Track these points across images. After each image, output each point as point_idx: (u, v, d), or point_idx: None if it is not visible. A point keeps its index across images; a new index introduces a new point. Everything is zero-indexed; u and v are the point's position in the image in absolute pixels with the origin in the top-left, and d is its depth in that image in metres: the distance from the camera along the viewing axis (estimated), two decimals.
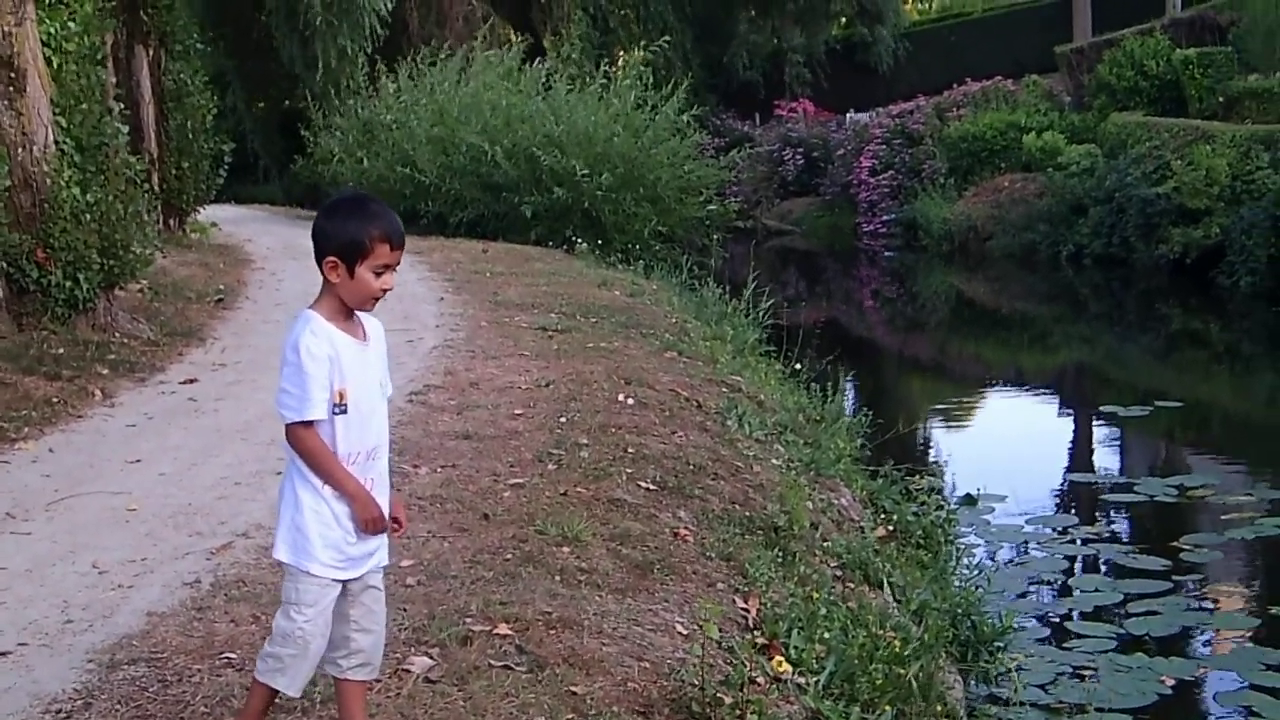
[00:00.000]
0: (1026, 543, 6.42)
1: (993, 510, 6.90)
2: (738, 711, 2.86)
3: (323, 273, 2.33)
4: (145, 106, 11.44)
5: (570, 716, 2.73)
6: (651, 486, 4.53)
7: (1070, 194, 18.13)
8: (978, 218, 19.94)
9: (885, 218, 22.38)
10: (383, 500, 2.42)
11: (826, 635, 3.51)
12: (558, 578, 3.53)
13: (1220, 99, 18.20)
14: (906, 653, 3.56)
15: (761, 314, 9.51)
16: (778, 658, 3.27)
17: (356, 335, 2.37)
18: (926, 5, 38.43)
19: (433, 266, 11.31)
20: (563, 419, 5.34)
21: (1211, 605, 5.52)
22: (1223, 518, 6.62)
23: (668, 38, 17.66)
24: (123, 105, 9.88)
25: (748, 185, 25.01)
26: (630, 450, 4.91)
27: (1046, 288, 17.50)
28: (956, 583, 5.17)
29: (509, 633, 3.09)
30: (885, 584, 4.51)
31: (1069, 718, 4.37)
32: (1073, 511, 7.05)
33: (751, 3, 30.91)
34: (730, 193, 19.70)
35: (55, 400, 5.77)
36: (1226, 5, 20.65)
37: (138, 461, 4.90)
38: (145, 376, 6.57)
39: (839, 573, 4.40)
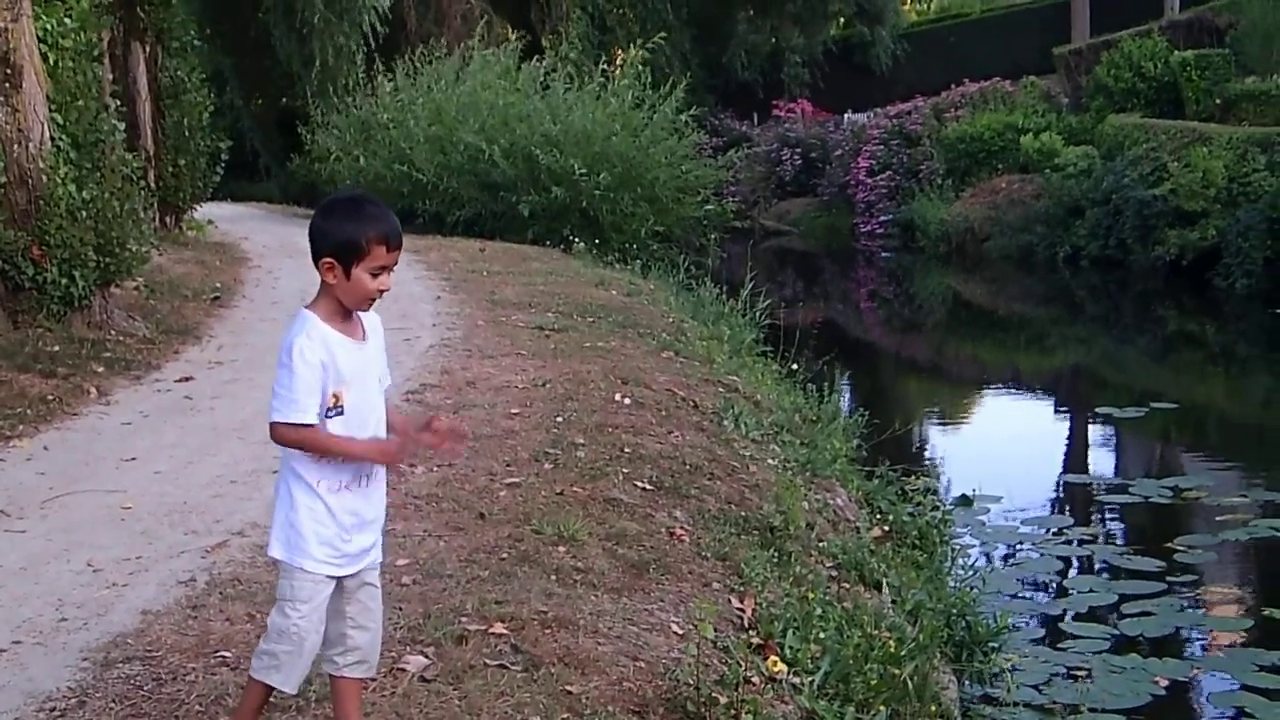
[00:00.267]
0: (1021, 543, 6.43)
1: (988, 511, 6.90)
2: (733, 711, 2.86)
3: (319, 273, 2.33)
4: (142, 103, 11.42)
5: (565, 716, 2.73)
6: (648, 486, 4.53)
7: (1067, 195, 18.15)
8: (975, 219, 19.96)
9: (882, 218, 22.40)
10: (378, 493, 2.42)
11: (822, 635, 3.51)
12: (553, 577, 3.53)
13: (1217, 101, 18.22)
14: (901, 653, 3.57)
15: (758, 314, 9.51)
16: (773, 657, 3.27)
17: (354, 335, 2.37)
18: (925, 6, 38.45)
19: (430, 265, 11.30)
20: (559, 418, 5.35)
21: (1205, 607, 5.53)
22: (1217, 519, 6.63)
23: (663, 34, 17.62)
24: (119, 102, 9.87)
25: (745, 185, 25.03)
26: (626, 450, 4.92)
27: (1043, 289, 17.52)
28: (951, 583, 5.18)
29: (504, 632, 3.09)
30: (883, 584, 4.51)
31: (1063, 718, 4.37)
32: (1068, 512, 7.06)
33: (750, 3, 30.92)
34: (728, 193, 19.71)
35: (50, 398, 5.76)
36: (1224, 7, 20.68)
37: (133, 460, 4.89)
38: (141, 374, 6.56)
39: (834, 573, 4.41)
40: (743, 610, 3.62)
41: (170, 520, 4.09)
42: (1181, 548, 6.17)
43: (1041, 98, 22.08)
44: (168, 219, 12.39)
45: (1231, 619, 5.41)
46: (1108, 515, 7.06)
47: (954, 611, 4.67)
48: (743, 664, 3.03)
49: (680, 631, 3.32)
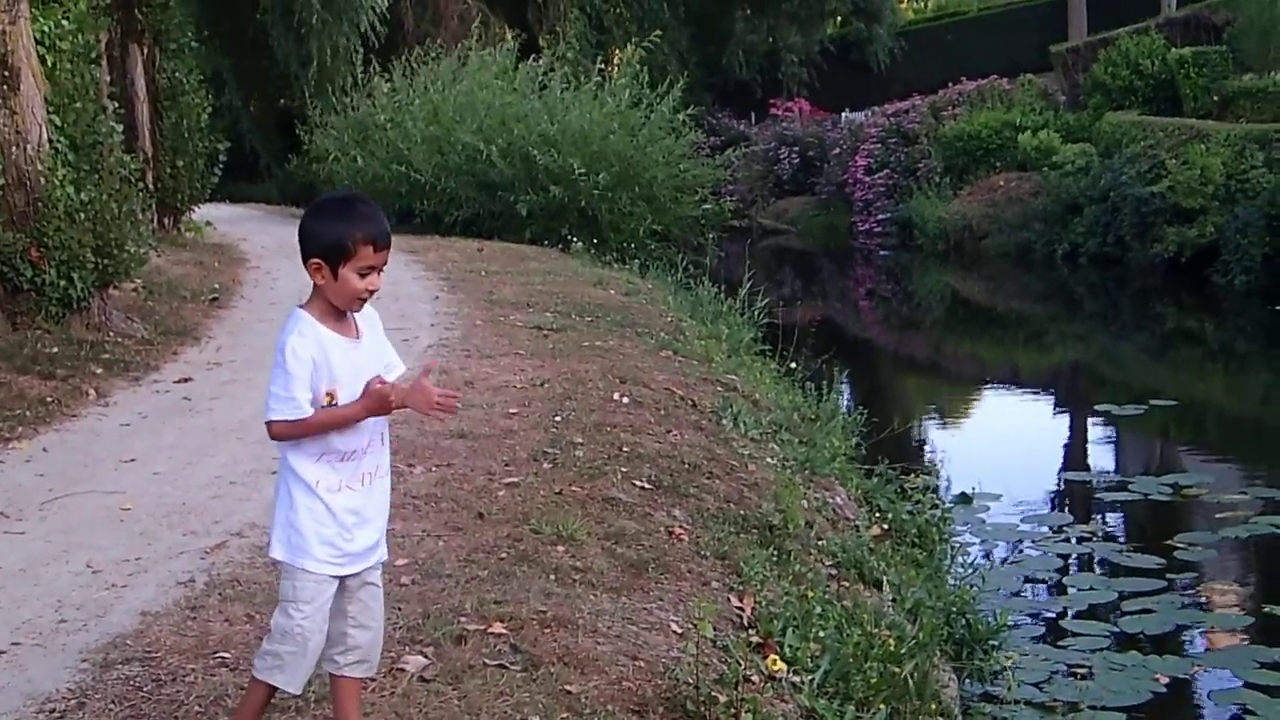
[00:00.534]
0: (1021, 541, 6.43)
1: (987, 509, 6.90)
2: (732, 710, 2.85)
3: (308, 274, 2.33)
4: (140, 105, 11.42)
5: (565, 715, 2.73)
6: (646, 485, 4.53)
7: (1065, 193, 18.16)
8: (973, 217, 19.96)
9: (880, 217, 22.40)
10: (380, 491, 2.42)
11: (821, 634, 3.51)
12: (552, 576, 3.53)
13: (1215, 98, 18.23)
14: (901, 651, 3.56)
15: (757, 313, 9.50)
16: (772, 656, 3.27)
17: (348, 334, 2.37)
18: (922, 4, 38.44)
19: (428, 265, 11.30)
20: (558, 418, 5.34)
21: (1206, 604, 5.53)
22: (1217, 516, 6.63)
23: (659, 33, 17.59)
24: (117, 104, 9.86)
25: (743, 184, 25.03)
26: (625, 449, 4.91)
27: (1042, 287, 17.53)
28: (951, 581, 5.18)
29: (504, 631, 3.09)
30: (884, 583, 4.51)
31: (1063, 716, 4.37)
32: (1067, 510, 7.06)
33: (747, 2, 30.92)
34: (726, 192, 19.70)
35: (49, 399, 5.76)
36: (1221, 4, 20.70)
37: (132, 461, 4.89)
38: (140, 376, 6.56)
39: (834, 571, 4.40)
40: (742, 609, 3.62)
41: (169, 521, 4.09)
42: (1181, 545, 6.17)
43: (1039, 95, 22.09)
44: (166, 220, 12.38)
45: (1232, 616, 5.41)
46: (1107, 513, 7.06)
47: (954, 609, 4.67)
48: (742, 663, 3.03)
49: (679, 630, 3.32)
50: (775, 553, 4.18)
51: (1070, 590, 5.73)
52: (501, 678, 2.85)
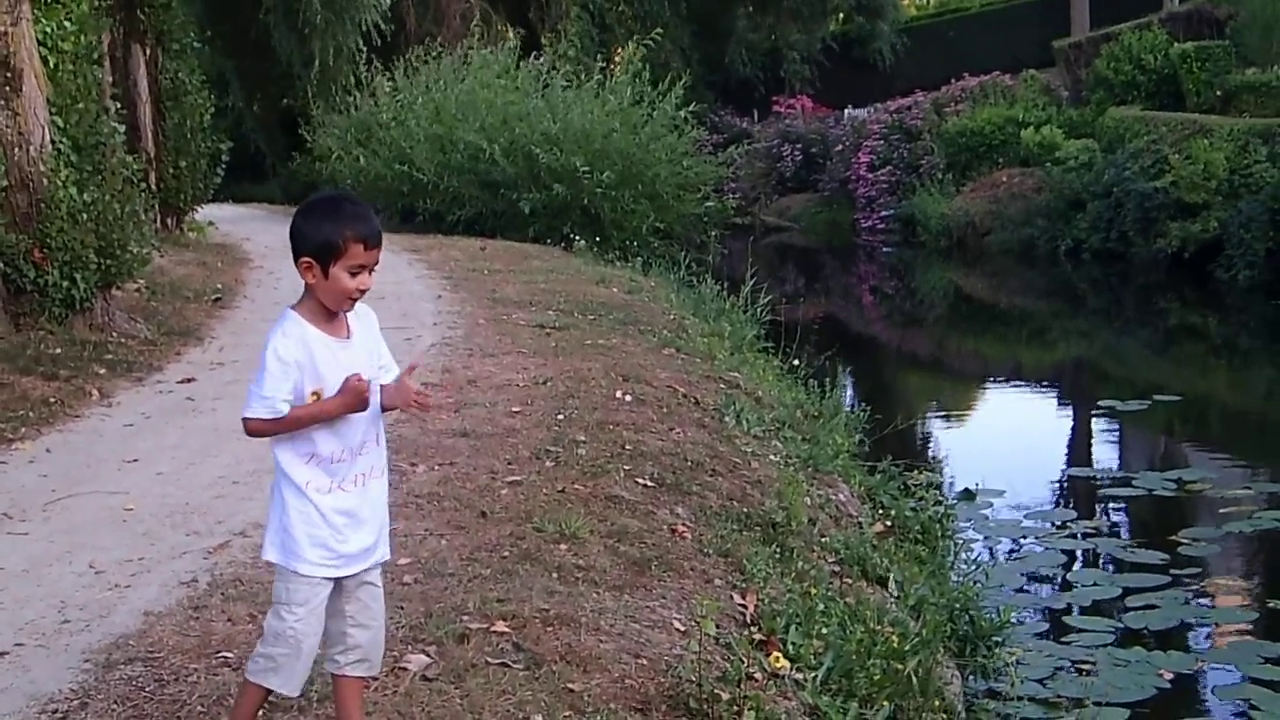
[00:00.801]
0: (1025, 537, 6.42)
1: (991, 505, 6.90)
2: (735, 708, 2.85)
3: (299, 273, 2.32)
4: (142, 106, 11.43)
5: (568, 714, 2.73)
6: (649, 483, 4.52)
7: (1068, 189, 18.12)
8: (976, 213, 19.93)
9: (883, 213, 22.37)
10: (376, 491, 2.41)
11: (824, 631, 3.50)
12: (555, 575, 3.53)
13: (1218, 93, 18.18)
14: (905, 648, 3.56)
15: (759, 310, 9.50)
16: (775, 654, 3.27)
17: (338, 334, 2.36)
18: (924, 0, 38.37)
19: (431, 264, 11.30)
20: (560, 416, 5.34)
21: (1210, 599, 5.52)
22: (1221, 512, 6.62)
23: (660, 30, 17.58)
24: (119, 104, 9.86)
25: (746, 182, 25.00)
26: (628, 447, 4.91)
27: (1045, 283, 17.50)
28: (955, 578, 5.17)
29: (506, 630, 3.08)
30: (890, 580, 4.50)
31: (1067, 712, 4.37)
32: (1071, 506, 7.05)
33: None
34: (728, 189, 19.70)
35: (52, 400, 5.76)
36: None
37: (135, 461, 4.89)
38: (143, 376, 6.56)
39: (837, 568, 4.40)
40: (745, 606, 3.62)
41: (172, 521, 4.09)
42: (1186, 540, 6.16)
43: (1041, 91, 22.05)
44: (169, 221, 12.39)
45: (1236, 611, 5.40)
46: (1111, 508, 7.05)
47: (957, 606, 4.66)
48: (745, 660, 3.03)
49: (682, 628, 3.31)
50: (778, 550, 4.17)
51: (1074, 586, 5.71)
52: (504, 676, 2.85)
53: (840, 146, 24.43)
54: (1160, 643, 5.00)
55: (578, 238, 13.30)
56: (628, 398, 5.76)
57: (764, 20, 31.00)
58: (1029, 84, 22.29)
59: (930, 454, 8.76)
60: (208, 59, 17.10)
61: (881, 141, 22.93)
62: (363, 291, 2.33)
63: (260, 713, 2.50)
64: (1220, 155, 15.54)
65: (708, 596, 3.47)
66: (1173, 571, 5.75)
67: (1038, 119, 20.53)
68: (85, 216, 7.04)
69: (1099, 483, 7.50)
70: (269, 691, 2.41)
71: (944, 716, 3.55)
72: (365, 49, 17.87)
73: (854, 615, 3.77)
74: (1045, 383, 11.98)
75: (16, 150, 6.72)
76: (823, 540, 4.59)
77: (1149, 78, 19.37)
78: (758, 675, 3.11)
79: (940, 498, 6.38)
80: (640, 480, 4.53)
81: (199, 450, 5.06)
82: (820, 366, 8.22)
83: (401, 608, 3.19)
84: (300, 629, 2.33)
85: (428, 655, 2.93)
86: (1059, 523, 6.64)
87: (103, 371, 6.44)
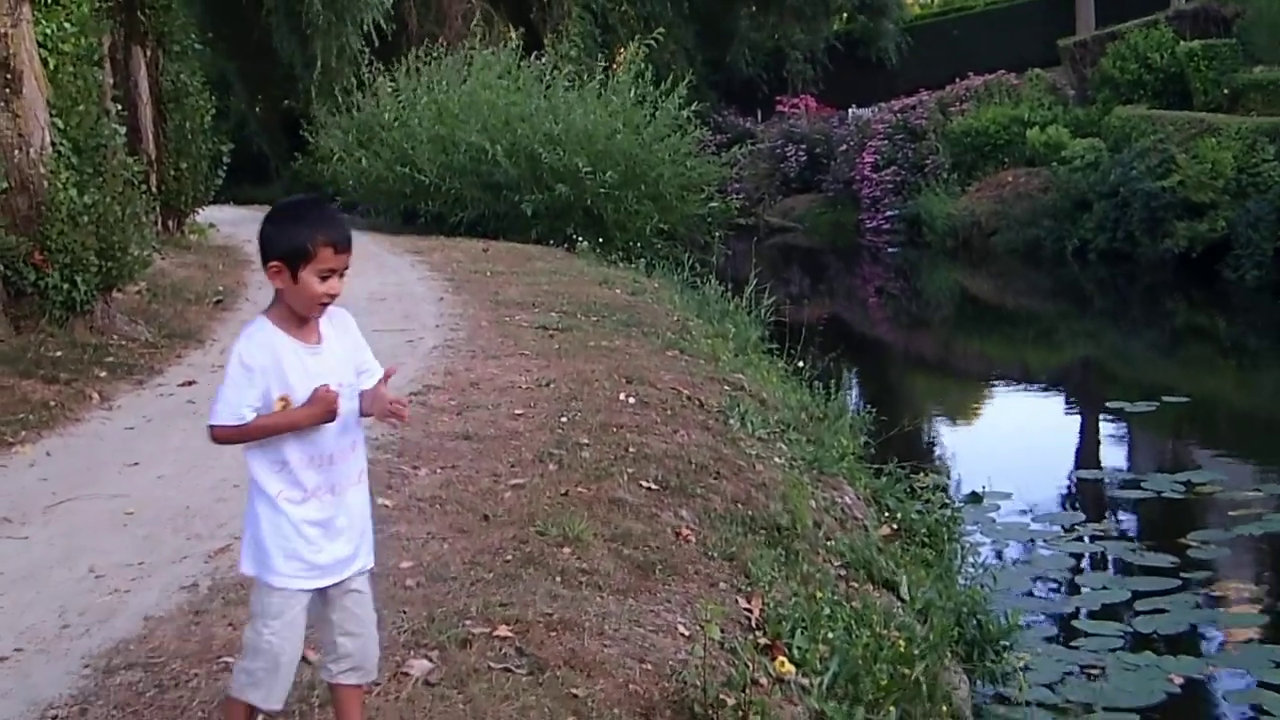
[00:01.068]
0: (1032, 540, 6.38)
1: (998, 508, 6.85)
2: (740, 713, 2.82)
3: (268, 277, 2.29)
4: (143, 108, 11.42)
5: (571, 719, 2.70)
6: (653, 486, 4.49)
7: (1074, 188, 18.07)
8: (981, 213, 19.89)
9: (888, 214, 22.33)
10: (354, 499, 2.36)
11: (830, 635, 3.47)
12: (558, 579, 3.50)
13: (1225, 91, 18.13)
14: (912, 653, 3.53)
15: (764, 311, 9.47)
16: (781, 658, 3.24)
17: (308, 340, 2.32)
18: None
19: (433, 266, 11.28)
20: (563, 419, 5.31)
21: (1220, 603, 5.48)
22: (1230, 514, 6.57)
23: (663, 30, 17.54)
24: (120, 106, 9.86)
25: (749, 182, 24.98)
26: (632, 450, 4.88)
27: (1051, 283, 17.45)
28: (962, 581, 5.13)
29: (509, 635, 3.05)
30: (901, 583, 4.46)
31: (1076, 717, 4.33)
32: (1079, 509, 7.01)
33: None
34: (732, 190, 19.66)
35: (53, 403, 5.74)
36: None
37: (136, 464, 4.87)
38: (143, 379, 6.54)
39: (843, 572, 4.37)
40: (750, 610, 3.59)
41: (173, 525, 4.07)
42: (1195, 543, 6.11)
43: (1047, 90, 22.01)
44: (170, 223, 12.39)
45: (1247, 615, 5.35)
46: (1120, 511, 7.01)
47: (964, 610, 4.62)
48: (750, 665, 3.00)
49: (687, 633, 3.28)
50: (783, 553, 4.14)
51: (1083, 590, 5.67)
52: (507, 681, 2.82)
53: (844, 147, 24.41)
54: (1170, 647, 4.96)
55: (580, 239, 13.27)
56: (631, 400, 5.72)
57: (767, 20, 30.97)
58: (1034, 83, 22.25)
59: (936, 456, 8.72)
60: (209, 60, 17.11)
61: (886, 141, 22.89)
62: (332, 297, 2.29)
63: None
64: (1227, 154, 15.49)
65: (712, 600, 3.45)
66: (1182, 575, 5.70)
67: (1043, 118, 20.48)
68: (86, 219, 7.02)
69: (1107, 485, 7.46)
70: (254, 709, 2.36)
71: None
72: (367, 50, 17.88)
73: (860, 619, 3.74)
74: (1052, 384, 11.92)
75: (17, 152, 6.70)
76: (828, 543, 4.55)
77: (1155, 76, 19.32)
78: (763, 680, 3.08)
79: (947, 500, 6.34)
80: (644, 483, 4.50)
81: (200, 453, 5.03)
82: (825, 368, 8.18)
83: (403, 612, 3.16)
84: (276, 643, 2.28)
85: (430, 660, 2.91)
86: (1067, 525, 6.59)
87: (103, 374, 6.42)
